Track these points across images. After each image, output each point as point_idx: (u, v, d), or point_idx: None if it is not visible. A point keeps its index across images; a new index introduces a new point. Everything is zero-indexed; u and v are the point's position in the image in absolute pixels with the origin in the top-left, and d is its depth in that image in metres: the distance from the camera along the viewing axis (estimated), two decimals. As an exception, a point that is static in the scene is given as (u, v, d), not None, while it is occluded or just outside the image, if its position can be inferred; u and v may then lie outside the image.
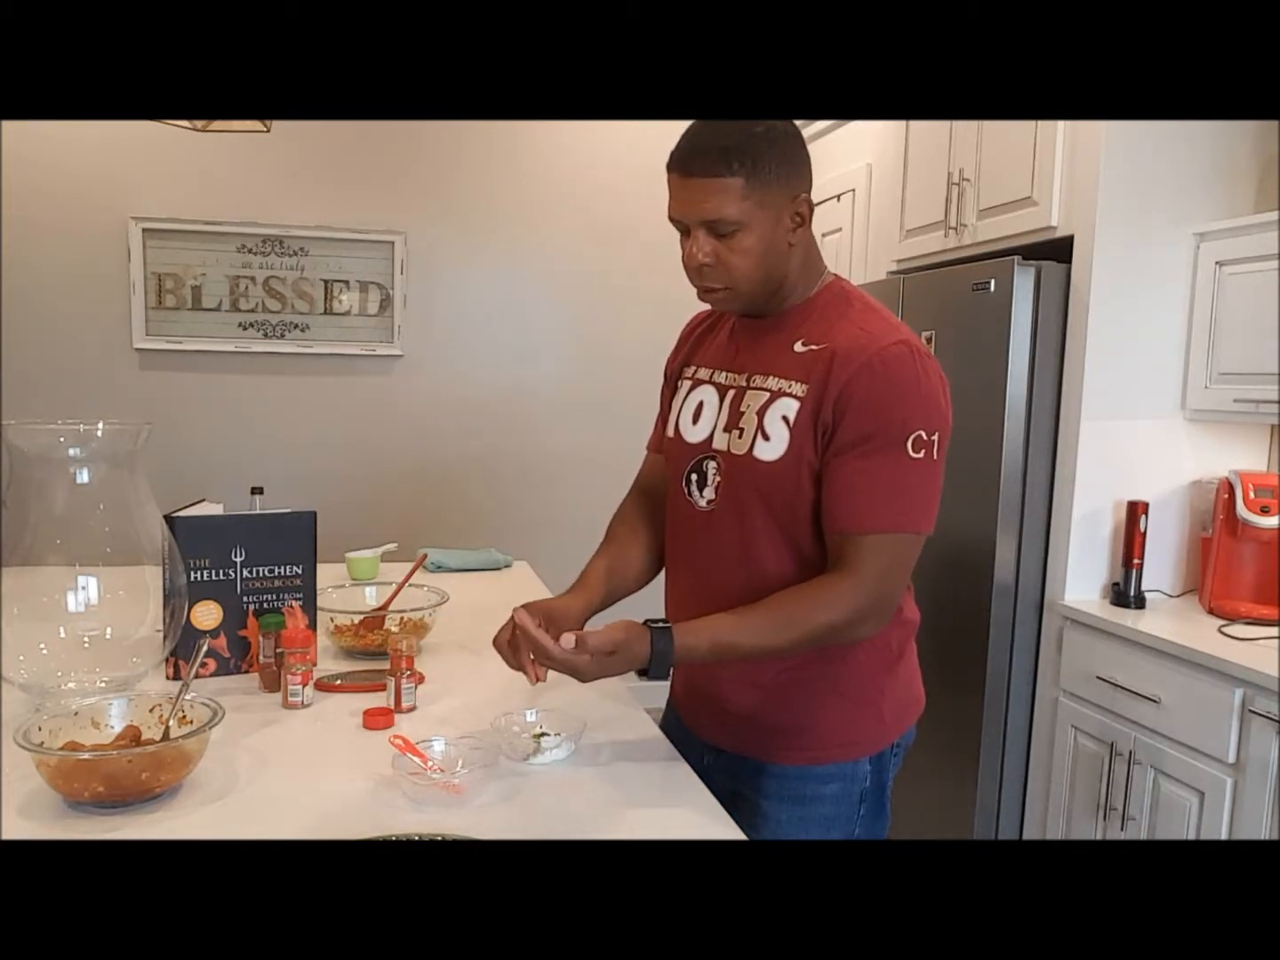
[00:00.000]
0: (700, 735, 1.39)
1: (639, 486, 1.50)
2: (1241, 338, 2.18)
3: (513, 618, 1.20)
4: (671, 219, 1.23)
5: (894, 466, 1.17)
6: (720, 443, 1.29)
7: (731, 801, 1.20)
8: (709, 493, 1.30)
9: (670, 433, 1.38)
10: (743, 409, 1.27)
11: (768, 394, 1.25)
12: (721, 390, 1.32)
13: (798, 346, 1.24)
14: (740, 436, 1.26)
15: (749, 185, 1.16)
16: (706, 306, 1.38)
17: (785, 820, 1.29)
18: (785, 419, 1.22)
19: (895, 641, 1.33)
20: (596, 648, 1.14)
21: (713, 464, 1.30)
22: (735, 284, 1.23)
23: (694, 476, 1.32)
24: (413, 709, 1.40)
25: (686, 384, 1.38)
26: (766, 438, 1.23)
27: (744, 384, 1.29)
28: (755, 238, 1.19)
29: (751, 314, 1.31)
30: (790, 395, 1.23)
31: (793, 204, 1.21)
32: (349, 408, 3.73)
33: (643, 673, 1.18)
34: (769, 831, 1.27)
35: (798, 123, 1.24)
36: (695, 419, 1.34)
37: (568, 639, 1.15)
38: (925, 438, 1.17)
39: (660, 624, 1.18)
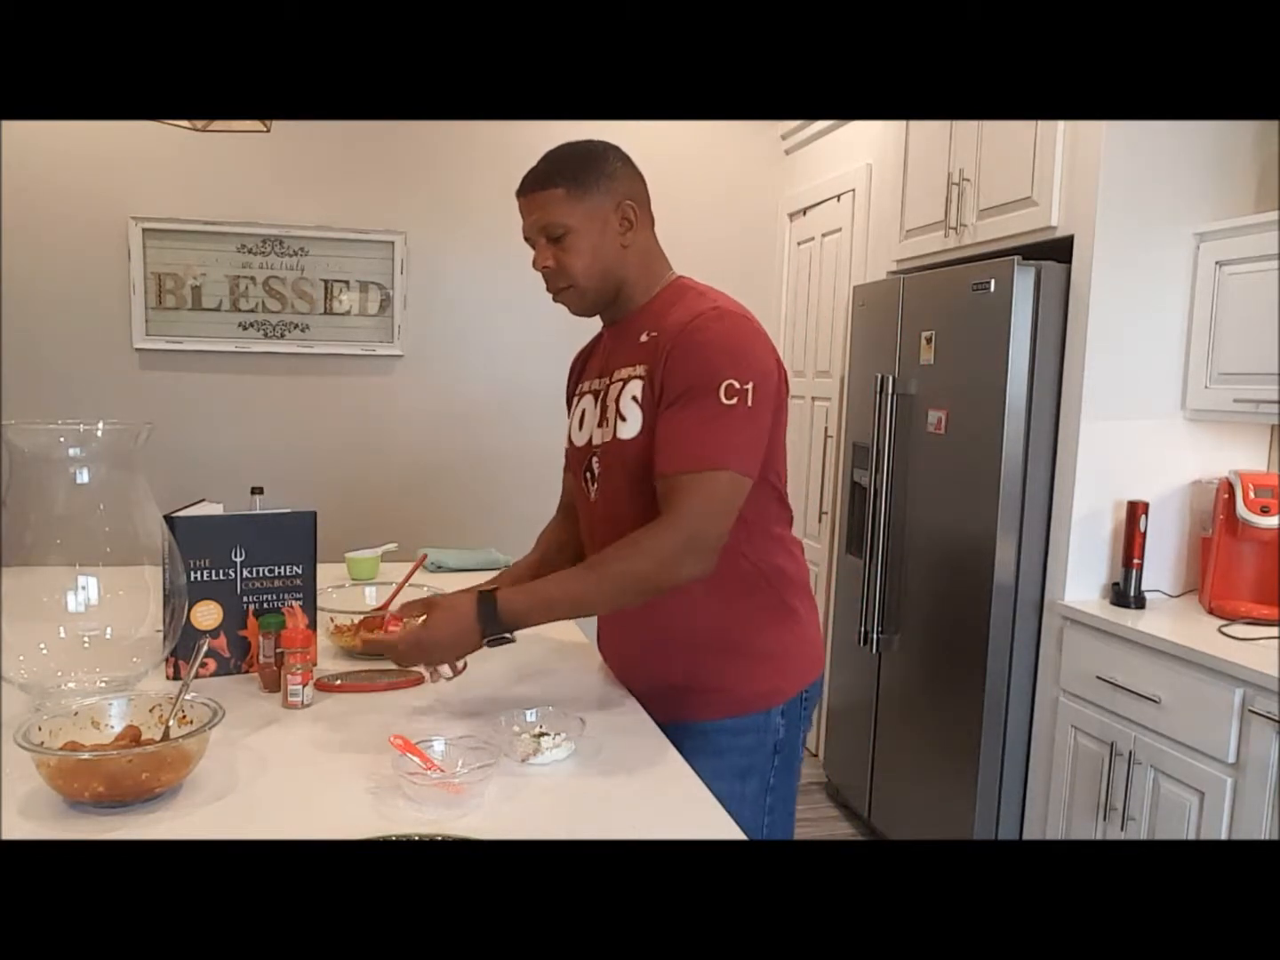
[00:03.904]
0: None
1: (560, 505, 1.68)
2: (1241, 338, 2.18)
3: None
4: (525, 239, 1.41)
5: (706, 411, 1.28)
6: (597, 438, 1.45)
7: None
8: (595, 484, 1.45)
9: (566, 444, 1.56)
10: (608, 403, 1.42)
11: (621, 382, 1.40)
12: (595, 395, 1.48)
13: (642, 338, 1.40)
14: (608, 426, 1.41)
15: (570, 193, 1.35)
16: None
17: (702, 772, 1.31)
18: (635, 399, 1.37)
19: (787, 598, 1.45)
20: (408, 624, 1.33)
21: (596, 459, 1.45)
22: (575, 281, 1.39)
23: (588, 475, 1.47)
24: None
25: (575, 401, 1.55)
26: (624, 419, 1.38)
27: (608, 382, 1.44)
28: (583, 237, 1.36)
29: (609, 320, 1.49)
30: (636, 377, 1.38)
31: (617, 209, 1.38)
32: (349, 408, 3.72)
33: (489, 642, 1.29)
34: None
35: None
36: (580, 425, 1.51)
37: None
38: (738, 386, 1.28)
39: (488, 589, 1.32)
